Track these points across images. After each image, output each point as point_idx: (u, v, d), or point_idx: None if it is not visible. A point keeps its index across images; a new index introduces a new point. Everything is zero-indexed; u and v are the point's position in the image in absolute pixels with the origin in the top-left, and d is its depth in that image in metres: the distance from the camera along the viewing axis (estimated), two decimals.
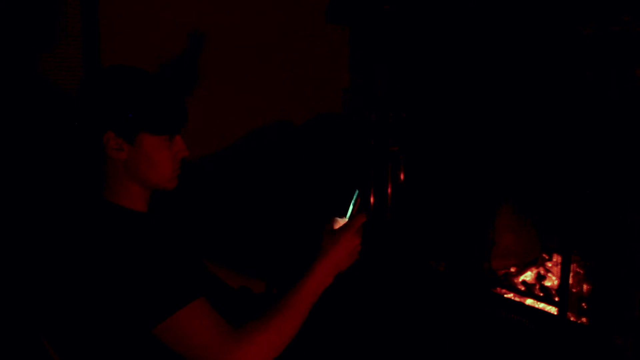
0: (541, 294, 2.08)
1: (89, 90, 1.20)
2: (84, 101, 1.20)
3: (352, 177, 2.59)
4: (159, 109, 1.19)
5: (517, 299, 2.12)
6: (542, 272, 2.18)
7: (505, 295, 2.14)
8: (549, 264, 2.19)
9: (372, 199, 2.49)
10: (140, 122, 1.17)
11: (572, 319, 1.92)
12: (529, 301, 2.08)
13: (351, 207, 1.38)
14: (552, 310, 1.96)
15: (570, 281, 1.91)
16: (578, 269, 1.95)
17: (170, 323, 1.09)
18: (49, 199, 1.85)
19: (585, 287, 1.93)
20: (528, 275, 2.19)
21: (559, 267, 1.96)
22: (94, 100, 1.18)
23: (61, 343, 1.20)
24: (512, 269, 2.22)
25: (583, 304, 1.92)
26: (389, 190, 2.43)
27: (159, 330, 1.09)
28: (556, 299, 1.97)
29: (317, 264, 1.27)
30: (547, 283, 2.13)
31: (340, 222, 1.38)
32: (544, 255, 2.22)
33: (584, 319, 1.90)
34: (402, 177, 2.41)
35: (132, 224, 1.19)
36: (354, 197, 1.39)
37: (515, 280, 2.18)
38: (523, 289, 2.13)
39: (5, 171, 1.94)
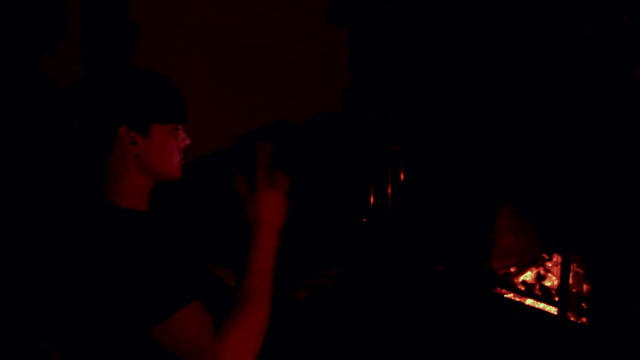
0: (541, 294, 2.08)
1: (98, 88, 1.23)
2: (92, 100, 1.22)
3: (352, 177, 2.59)
4: (166, 99, 1.24)
5: (517, 299, 2.12)
6: (542, 272, 2.18)
7: (505, 295, 2.14)
8: (549, 264, 2.19)
9: (372, 199, 2.49)
10: (152, 113, 1.21)
11: (572, 319, 1.92)
12: (529, 301, 2.08)
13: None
14: (552, 310, 1.96)
15: (570, 281, 1.91)
16: (578, 269, 1.95)
17: (170, 323, 1.09)
18: (49, 200, 1.85)
19: (585, 287, 1.93)
20: (528, 275, 2.19)
21: (559, 267, 1.97)
22: (106, 98, 1.20)
23: (61, 343, 1.20)
24: (512, 269, 2.22)
25: (583, 304, 1.92)
26: (389, 190, 2.43)
27: (158, 330, 1.09)
28: (556, 299, 1.97)
29: (256, 234, 1.21)
30: (547, 283, 2.13)
31: None
32: (544, 255, 2.22)
33: (584, 319, 1.90)
34: (402, 177, 2.41)
35: (132, 223, 1.20)
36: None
37: (515, 280, 2.18)
38: (523, 289, 2.13)
39: (5, 173, 1.94)
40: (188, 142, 1.28)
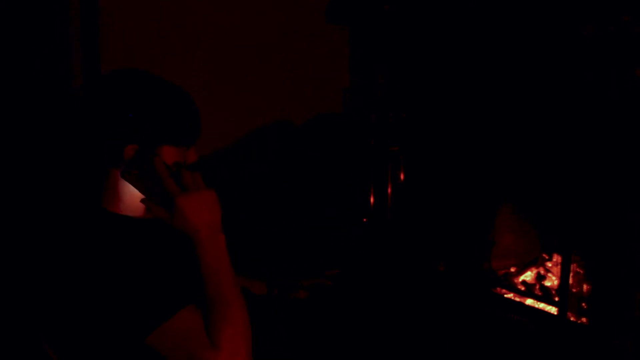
0: (541, 294, 2.08)
1: (108, 100, 1.17)
2: (102, 114, 1.16)
3: (352, 177, 2.60)
4: (182, 121, 1.20)
5: (517, 299, 2.12)
6: (542, 272, 2.18)
7: (505, 295, 2.14)
8: (549, 264, 2.19)
9: (372, 199, 2.49)
10: (164, 136, 1.17)
11: (572, 319, 1.92)
12: (529, 301, 2.08)
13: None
14: (552, 310, 1.96)
15: (570, 281, 1.91)
16: (578, 269, 1.95)
17: (170, 324, 1.08)
18: (48, 204, 1.85)
19: (585, 287, 1.93)
20: (528, 275, 2.19)
21: (559, 267, 1.97)
22: (116, 114, 1.15)
23: (60, 345, 1.20)
24: (512, 269, 2.22)
25: (583, 304, 1.92)
26: (389, 190, 2.44)
27: (158, 332, 1.08)
28: (556, 299, 1.97)
29: (198, 242, 1.12)
30: (547, 283, 2.13)
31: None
32: (544, 255, 2.22)
33: (584, 319, 1.90)
34: (402, 177, 2.41)
35: (129, 229, 1.19)
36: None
37: (515, 280, 2.18)
38: (523, 289, 2.13)
39: (5, 177, 1.94)
40: (195, 159, 1.24)
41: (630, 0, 1.62)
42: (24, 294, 1.35)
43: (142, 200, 1.17)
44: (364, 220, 2.52)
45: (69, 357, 1.19)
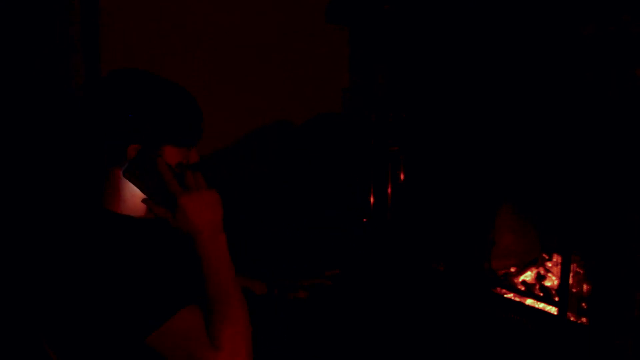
0: (541, 294, 2.08)
1: (112, 101, 1.17)
2: (104, 114, 1.17)
3: (352, 177, 2.60)
4: (186, 122, 1.21)
5: (517, 299, 2.12)
6: (542, 272, 2.18)
7: (505, 295, 2.15)
8: (549, 264, 2.19)
9: (372, 199, 2.49)
10: (167, 136, 1.18)
11: (572, 319, 1.92)
12: (529, 301, 2.08)
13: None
14: (552, 310, 1.96)
15: (570, 281, 1.91)
16: (578, 269, 1.95)
17: (170, 324, 1.08)
18: (49, 203, 1.85)
19: (585, 287, 1.93)
20: (528, 275, 2.19)
21: (559, 267, 1.97)
22: (120, 114, 1.16)
23: (61, 345, 1.20)
24: (512, 269, 2.22)
25: (583, 304, 1.92)
26: (389, 190, 2.44)
27: (158, 332, 1.08)
28: (556, 299, 1.97)
29: (199, 242, 1.13)
30: (547, 283, 2.13)
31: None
32: (544, 255, 2.22)
33: (584, 319, 1.90)
34: (402, 177, 2.41)
35: (130, 229, 1.19)
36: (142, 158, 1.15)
37: (515, 280, 2.18)
38: (523, 289, 2.13)
39: (6, 177, 1.94)
40: (197, 160, 1.25)
41: (630, 0, 1.62)
42: (24, 294, 1.35)
43: (143, 200, 1.17)
44: (364, 220, 2.53)
45: (69, 357, 1.19)
